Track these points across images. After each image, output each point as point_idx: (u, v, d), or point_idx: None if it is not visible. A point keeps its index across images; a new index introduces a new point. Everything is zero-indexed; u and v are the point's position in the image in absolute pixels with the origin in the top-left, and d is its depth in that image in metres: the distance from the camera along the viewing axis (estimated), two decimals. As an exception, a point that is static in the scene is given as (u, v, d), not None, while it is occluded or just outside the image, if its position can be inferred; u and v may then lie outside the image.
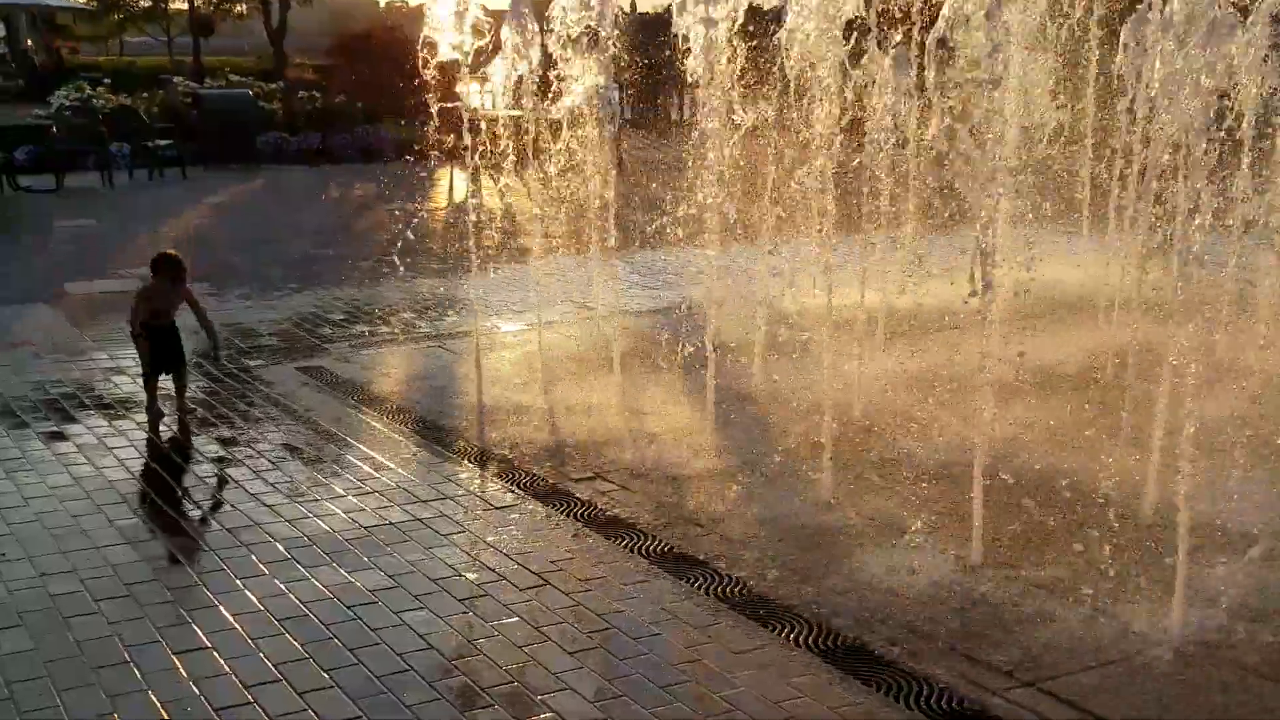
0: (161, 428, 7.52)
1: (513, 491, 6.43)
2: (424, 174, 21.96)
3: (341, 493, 6.42)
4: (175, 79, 26.81)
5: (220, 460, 6.98)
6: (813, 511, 6.07)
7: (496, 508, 6.22)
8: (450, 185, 20.02)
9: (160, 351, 7.73)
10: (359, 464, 6.86)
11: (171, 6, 43.42)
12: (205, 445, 7.25)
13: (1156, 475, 5.86)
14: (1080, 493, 6.00)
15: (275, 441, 7.28)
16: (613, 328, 9.12)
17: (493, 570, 5.48)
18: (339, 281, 12.24)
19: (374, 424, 7.60)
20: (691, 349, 7.99)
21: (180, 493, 6.49)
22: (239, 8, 43.20)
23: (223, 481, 6.66)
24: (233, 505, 6.27)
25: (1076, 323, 9.32)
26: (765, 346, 8.50)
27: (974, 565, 5.38)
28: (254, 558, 5.59)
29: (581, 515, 6.09)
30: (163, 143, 20.61)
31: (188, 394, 7.95)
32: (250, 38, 62.27)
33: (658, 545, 5.73)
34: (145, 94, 24.72)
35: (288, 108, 25.29)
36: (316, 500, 6.31)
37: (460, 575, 5.44)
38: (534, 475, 6.65)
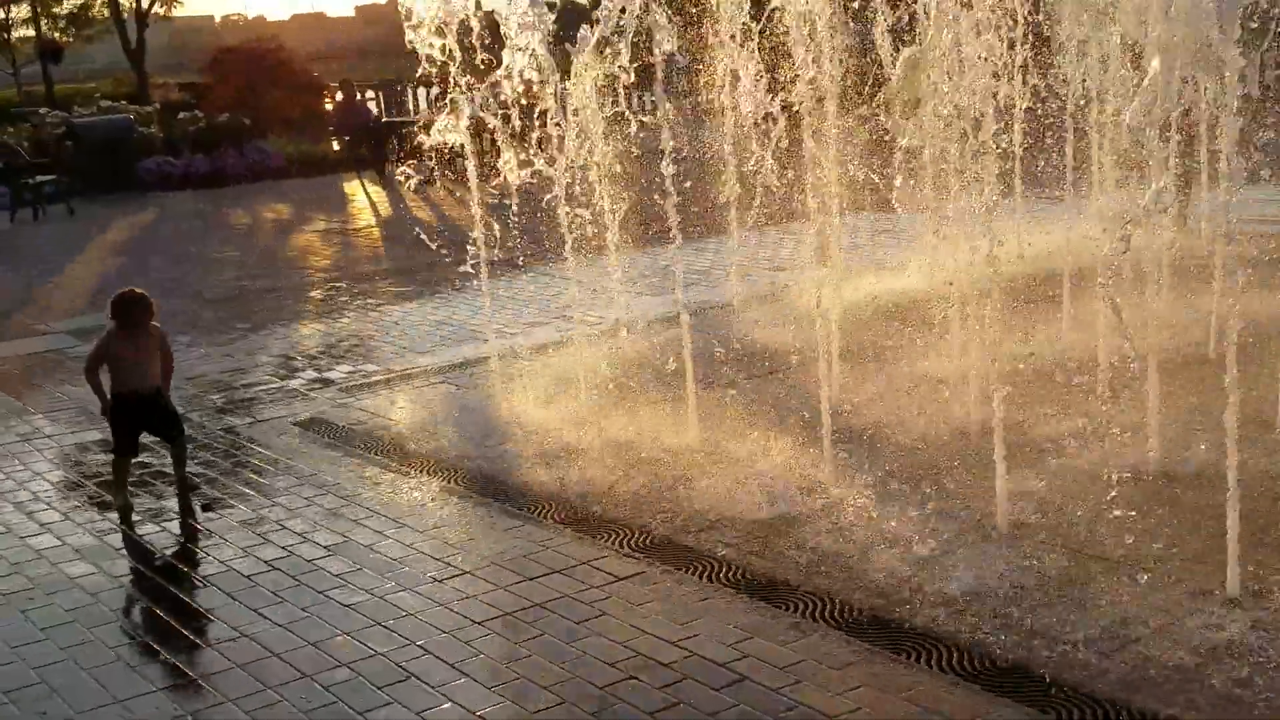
0: (139, 520, 6.18)
1: (626, 554, 5.32)
2: (329, 189, 20.64)
3: (433, 578, 5.22)
4: (42, 110, 24.80)
5: (249, 572, 5.58)
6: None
7: (620, 578, 5.11)
8: (369, 199, 18.72)
9: (139, 423, 6.34)
10: (428, 538, 5.66)
11: (14, 34, 40.77)
12: (220, 547, 5.94)
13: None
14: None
15: (316, 526, 5.92)
16: (646, 341, 8.08)
17: (661, 663, 4.36)
18: (295, 316, 10.92)
19: (419, 487, 6.36)
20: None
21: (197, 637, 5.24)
22: (88, 30, 40.90)
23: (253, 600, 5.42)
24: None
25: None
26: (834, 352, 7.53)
27: None
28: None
29: (723, 578, 5.02)
30: (43, 179, 18.81)
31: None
32: (92, 63, 59.27)
33: (841, 611, 4.69)
34: (11, 128, 22.76)
35: (167, 130, 23.58)
36: (408, 589, 5.11)
37: (631, 678, 4.32)
38: (637, 530, 5.55)
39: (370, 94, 26.95)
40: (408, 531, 5.77)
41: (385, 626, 4.81)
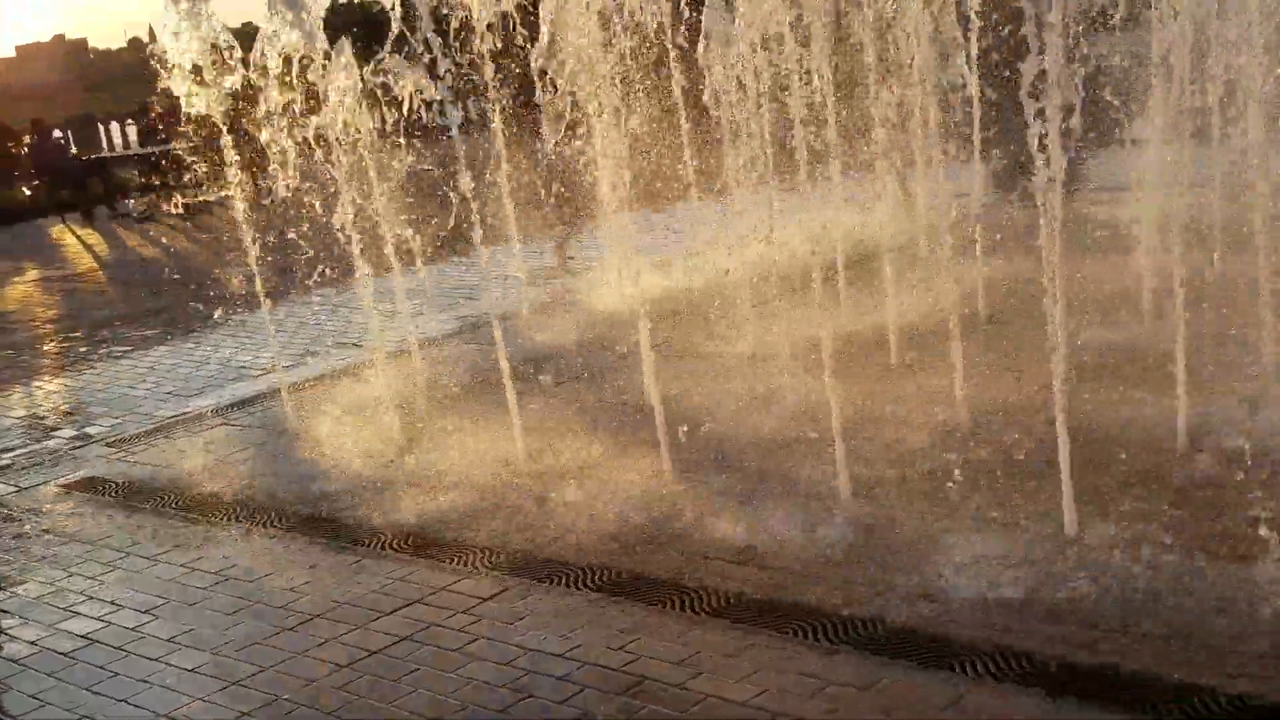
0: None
1: (481, 575, 5.09)
2: (32, 236, 19.16)
3: (279, 627, 4.80)
4: None
5: (67, 649, 5.11)
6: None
7: (484, 598, 4.87)
8: (81, 242, 17.45)
9: None
10: (260, 588, 5.23)
11: None
12: (25, 625, 5.34)
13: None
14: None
15: (128, 591, 5.39)
16: (433, 360, 7.86)
17: (555, 676, 4.15)
18: (33, 372, 10.01)
19: (233, 537, 5.87)
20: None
21: None
22: None
23: None
24: None
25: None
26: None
27: None
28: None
29: (589, 584, 4.89)
30: None
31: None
32: None
33: (725, 600, 4.65)
34: None
35: None
36: (256, 643, 4.71)
37: (529, 696, 4.10)
38: (487, 550, 5.33)
39: (58, 133, 25.13)
40: (234, 584, 5.36)
41: (242, 685, 4.44)
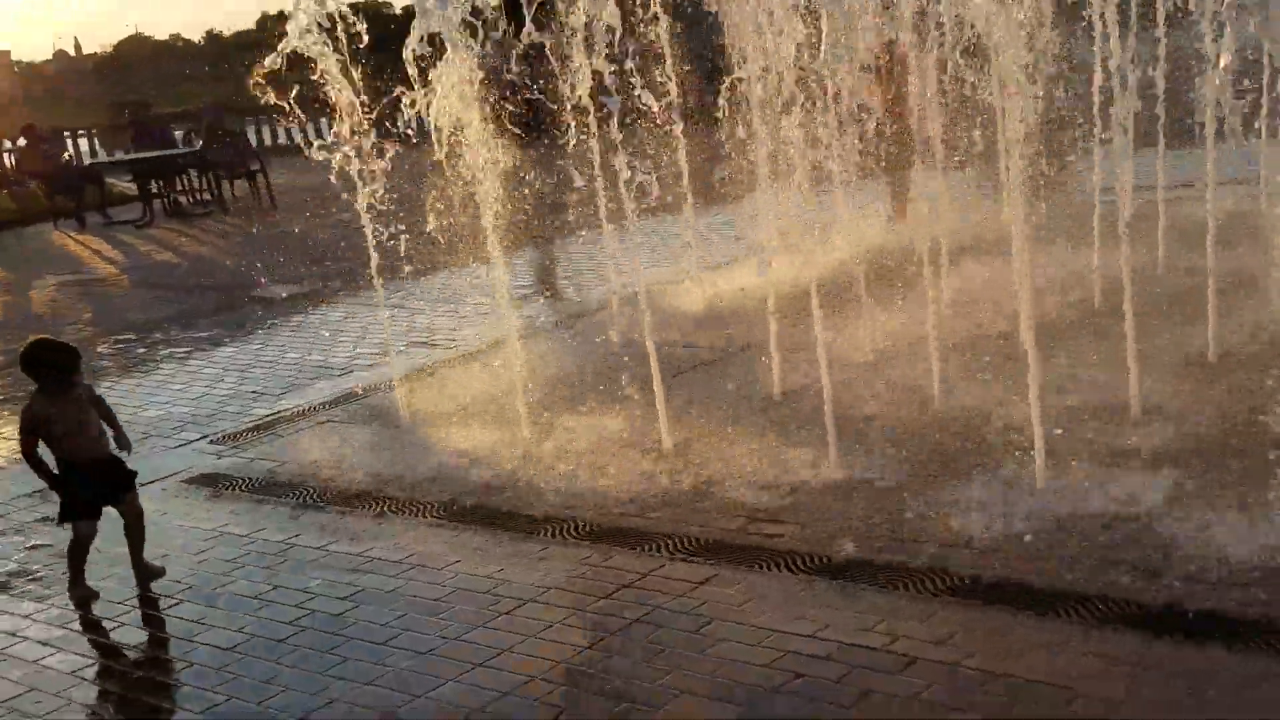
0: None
1: (683, 559, 5.09)
2: (30, 242, 18.81)
3: (491, 611, 4.75)
4: None
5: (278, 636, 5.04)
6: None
7: (697, 582, 4.87)
8: (87, 248, 17.15)
9: (92, 492, 5.40)
10: (457, 576, 5.18)
11: None
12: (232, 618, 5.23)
13: None
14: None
15: (318, 581, 5.36)
16: (528, 354, 7.86)
17: (818, 657, 4.17)
18: (98, 376, 9.81)
19: (404, 528, 5.81)
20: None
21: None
22: None
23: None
24: None
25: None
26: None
27: None
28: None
29: (797, 565, 4.90)
30: None
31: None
32: None
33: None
34: None
35: None
36: (459, 637, 4.66)
37: (800, 675, 4.10)
38: (675, 536, 5.33)
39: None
40: (425, 571, 5.30)
41: (488, 666, 4.40)
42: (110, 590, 5.45)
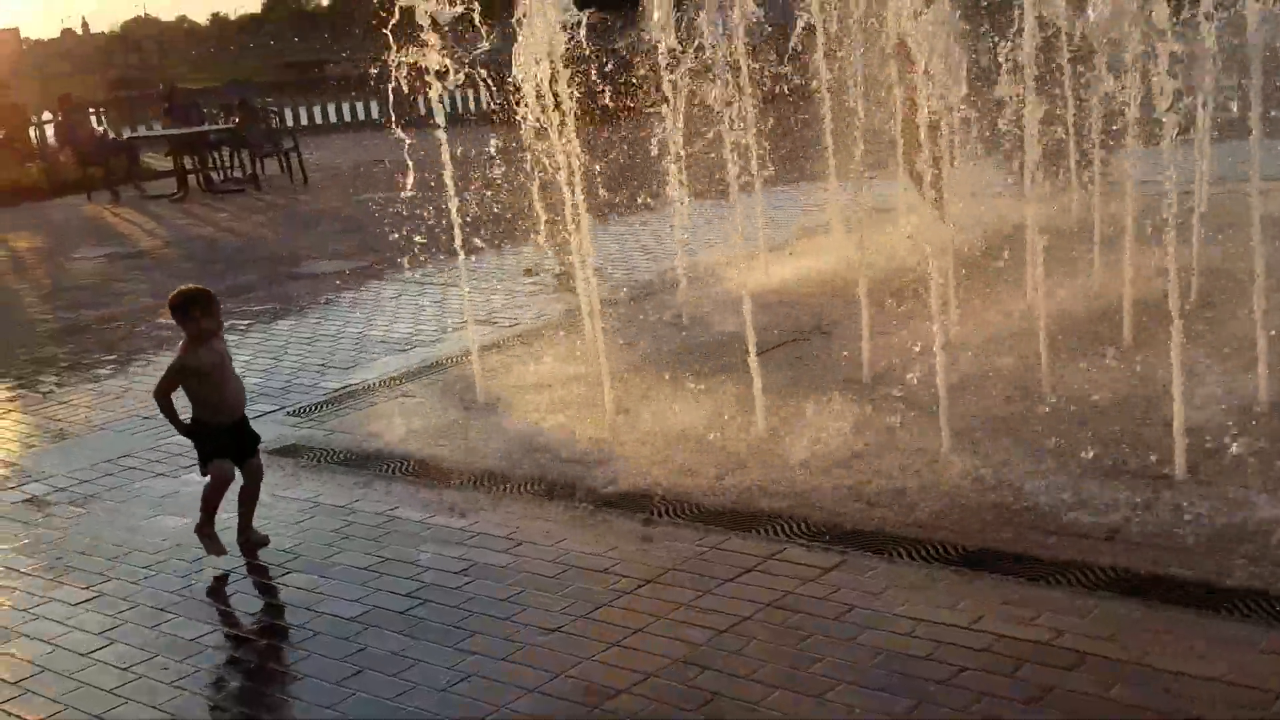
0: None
1: (804, 544, 4.98)
2: (64, 215, 18.70)
3: (615, 590, 4.65)
4: None
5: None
6: None
7: (827, 568, 4.76)
8: (125, 221, 17.03)
9: (228, 451, 5.31)
10: (569, 552, 5.08)
11: None
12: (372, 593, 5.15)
13: None
14: None
15: (438, 552, 5.29)
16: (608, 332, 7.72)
17: (973, 649, 4.03)
18: (165, 345, 9.72)
19: (503, 503, 5.70)
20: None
21: None
22: None
23: None
24: None
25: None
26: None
27: None
28: None
29: (929, 553, 4.80)
30: None
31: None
32: None
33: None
34: None
35: None
36: (581, 615, 4.56)
37: (963, 669, 3.95)
38: (793, 520, 5.22)
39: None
40: (536, 548, 5.20)
41: (622, 646, 4.30)
42: (213, 560, 5.36)
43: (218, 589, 5.15)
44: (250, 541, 5.37)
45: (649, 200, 12.00)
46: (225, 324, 10.09)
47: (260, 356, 9.09)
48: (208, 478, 5.30)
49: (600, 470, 5.98)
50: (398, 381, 8.03)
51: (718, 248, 10.66)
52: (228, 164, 21.13)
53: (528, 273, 11.04)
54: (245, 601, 5.05)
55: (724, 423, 6.41)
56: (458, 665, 4.25)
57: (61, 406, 8.25)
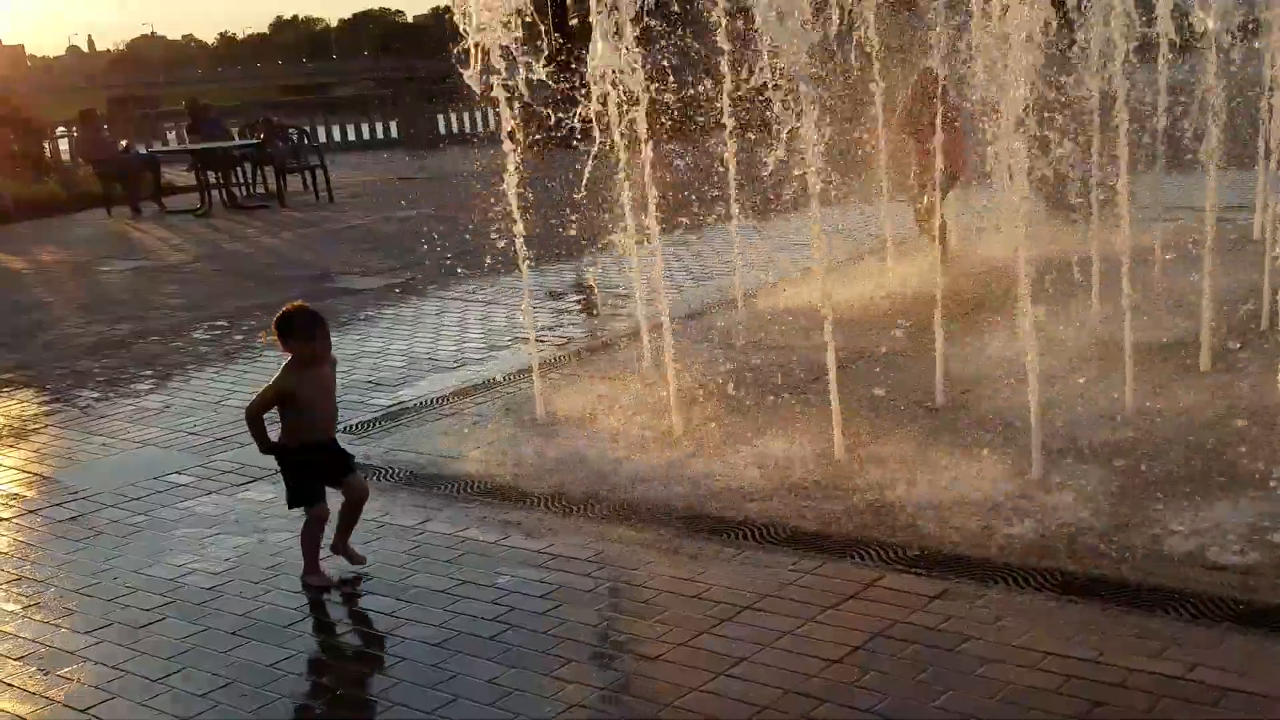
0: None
1: (904, 571, 4.73)
2: (86, 228, 18.57)
3: (716, 617, 4.42)
4: None
5: None
6: None
7: (932, 596, 4.50)
8: (150, 235, 16.90)
9: (321, 473, 5.10)
10: (656, 578, 4.86)
11: None
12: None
13: None
14: None
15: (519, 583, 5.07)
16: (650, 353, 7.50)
17: (1105, 683, 3.80)
18: (207, 361, 9.50)
19: (657, 539, 5.30)
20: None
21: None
22: None
23: None
24: None
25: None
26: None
27: None
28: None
29: (1039, 581, 4.55)
30: None
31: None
32: None
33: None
34: None
35: None
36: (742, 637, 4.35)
37: (1101, 703, 3.74)
38: (887, 547, 4.97)
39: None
40: (611, 570, 4.98)
41: (732, 677, 4.06)
42: (280, 580, 5.14)
43: (290, 611, 4.91)
44: (351, 561, 5.15)
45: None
46: (265, 340, 10.21)
47: (304, 372, 8.87)
48: (298, 511, 5.08)
49: (671, 489, 5.78)
50: (452, 399, 7.82)
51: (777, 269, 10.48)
52: (250, 180, 21.03)
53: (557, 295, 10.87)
54: (321, 625, 4.83)
55: (795, 445, 6.19)
56: (558, 695, 4.02)
57: (103, 420, 8.04)
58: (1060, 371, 6.76)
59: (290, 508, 5.14)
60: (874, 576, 4.75)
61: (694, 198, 10.48)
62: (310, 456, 5.02)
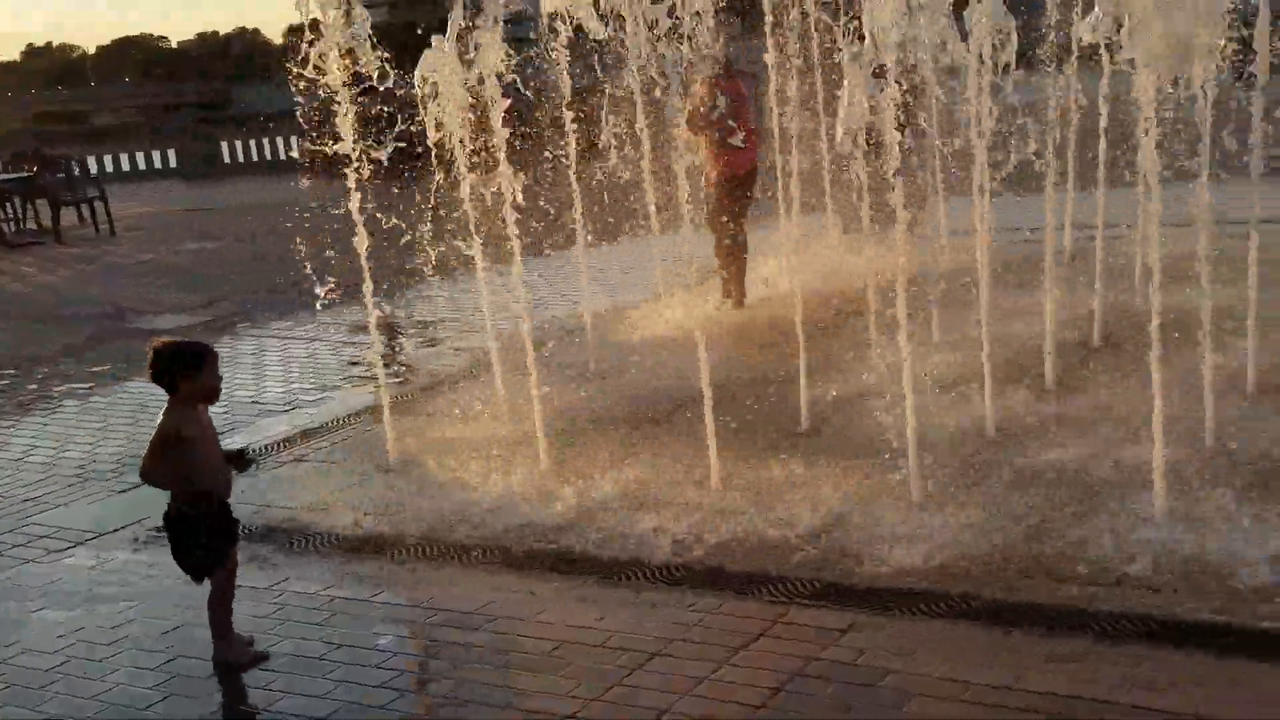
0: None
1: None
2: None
3: (620, 667, 4.19)
4: None
5: None
6: None
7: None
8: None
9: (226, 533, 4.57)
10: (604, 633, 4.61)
11: None
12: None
13: None
14: None
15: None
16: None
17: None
18: (16, 411, 8.67)
19: (556, 588, 5.07)
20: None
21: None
22: None
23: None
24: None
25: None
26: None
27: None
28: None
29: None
30: None
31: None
32: None
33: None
34: None
35: None
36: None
37: None
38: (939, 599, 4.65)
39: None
40: (510, 623, 4.67)
41: (656, 732, 3.83)
42: (130, 658, 4.62)
43: (144, 692, 4.40)
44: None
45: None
46: (64, 388, 9.40)
47: (115, 421, 8.21)
48: (141, 574, 4.57)
49: (549, 534, 5.49)
50: (289, 444, 7.31)
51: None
52: (20, 215, 19.65)
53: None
54: (185, 704, 4.31)
55: (672, 479, 6.00)
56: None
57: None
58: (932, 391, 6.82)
59: (197, 580, 4.56)
60: (778, 613, 4.60)
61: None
62: (209, 511, 4.50)
